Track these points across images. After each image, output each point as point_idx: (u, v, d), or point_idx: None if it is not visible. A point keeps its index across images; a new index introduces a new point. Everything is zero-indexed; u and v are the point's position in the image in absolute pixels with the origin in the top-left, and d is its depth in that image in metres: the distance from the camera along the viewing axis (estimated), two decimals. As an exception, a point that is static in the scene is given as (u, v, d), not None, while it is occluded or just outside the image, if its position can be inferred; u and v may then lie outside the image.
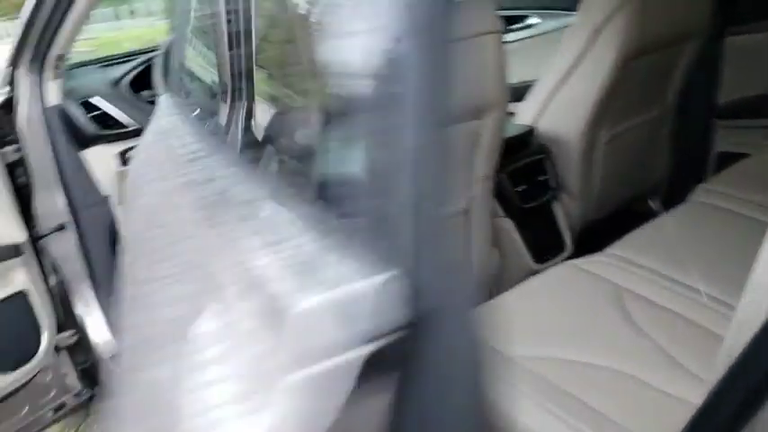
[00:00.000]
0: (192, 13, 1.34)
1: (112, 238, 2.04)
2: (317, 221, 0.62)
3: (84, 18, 1.67)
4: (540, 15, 2.95)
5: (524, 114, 1.94)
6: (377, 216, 0.55)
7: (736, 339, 0.58)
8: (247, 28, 0.96)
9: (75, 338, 1.99)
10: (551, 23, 2.85)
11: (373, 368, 0.51)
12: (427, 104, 0.51)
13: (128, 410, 1.04)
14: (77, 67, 2.14)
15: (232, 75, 1.01)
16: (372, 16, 0.52)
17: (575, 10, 1.81)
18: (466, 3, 1.39)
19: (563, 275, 1.47)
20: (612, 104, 1.80)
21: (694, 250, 1.48)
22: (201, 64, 1.11)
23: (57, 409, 1.95)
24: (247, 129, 1.00)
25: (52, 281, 1.93)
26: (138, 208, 1.06)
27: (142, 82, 2.02)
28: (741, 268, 0.64)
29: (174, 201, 0.90)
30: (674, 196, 1.88)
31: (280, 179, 0.91)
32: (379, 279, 0.51)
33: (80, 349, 2.03)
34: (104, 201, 2.01)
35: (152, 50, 2.21)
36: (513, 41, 2.79)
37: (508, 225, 1.86)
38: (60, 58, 1.86)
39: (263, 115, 0.99)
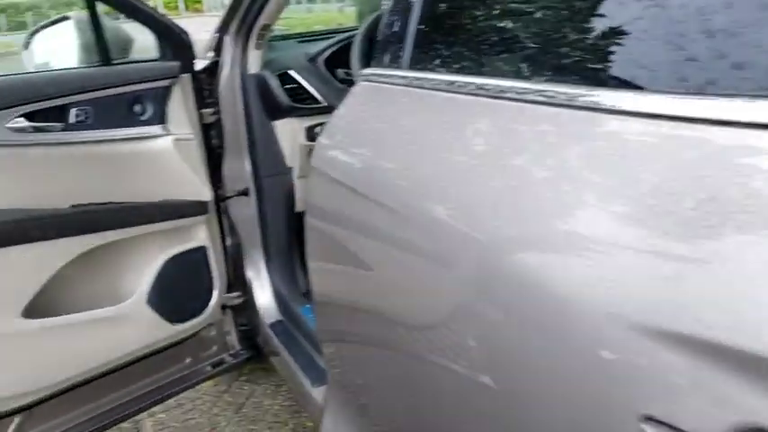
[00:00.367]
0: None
1: (290, 208, 2.09)
2: None
3: (294, -10, 1.70)
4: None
5: None
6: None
7: None
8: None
9: (240, 300, 2.06)
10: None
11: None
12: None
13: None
14: (278, 40, 2.20)
15: None
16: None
17: None
18: None
19: None
20: None
21: None
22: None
23: (215, 365, 2.03)
24: None
25: (228, 241, 2.01)
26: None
27: (338, 60, 2.03)
28: None
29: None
30: None
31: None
32: None
33: (243, 311, 2.10)
34: (288, 172, 2.06)
35: (350, 30, 2.23)
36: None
37: None
38: (265, 28, 1.91)
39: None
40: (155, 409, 2.09)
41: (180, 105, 1.75)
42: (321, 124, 2.00)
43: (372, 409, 1.09)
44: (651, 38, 0.58)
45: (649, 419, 0.49)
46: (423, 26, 0.95)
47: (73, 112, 1.57)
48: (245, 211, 2.06)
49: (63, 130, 1.56)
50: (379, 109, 1.00)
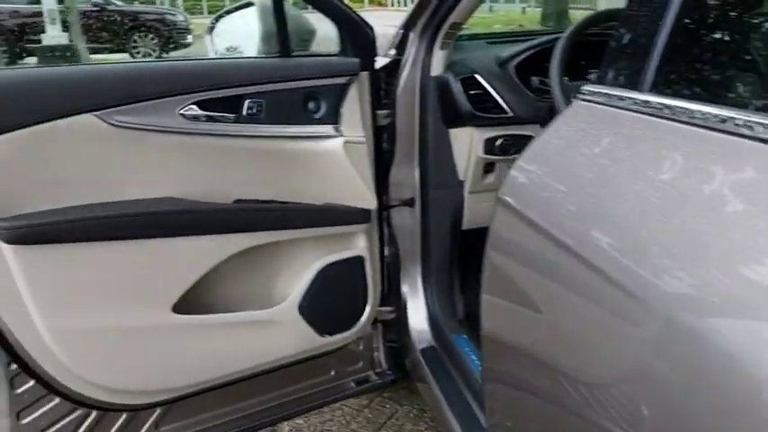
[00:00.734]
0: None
1: (456, 225, 1.91)
2: None
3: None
4: None
5: None
6: None
7: None
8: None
9: (393, 315, 1.92)
10: None
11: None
12: None
13: None
14: (465, 40, 2.02)
15: None
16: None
17: None
18: None
19: None
20: None
21: None
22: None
23: (358, 382, 1.91)
24: None
25: (386, 251, 1.87)
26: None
27: (532, 67, 1.81)
28: None
29: None
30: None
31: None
32: None
33: (394, 327, 1.96)
34: (458, 185, 1.88)
35: (549, 33, 2.00)
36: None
37: None
38: (454, 27, 1.74)
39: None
40: (293, 411, 2.01)
41: (355, 105, 1.62)
42: (503, 137, 1.80)
43: None
44: None
45: None
46: (678, 39, 0.72)
47: (246, 103, 1.49)
48: (407, 222, 1.92)
49: (234, 121, 1.49)
50: (603, 139, 0.79)
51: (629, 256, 0.69)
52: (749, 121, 0.58)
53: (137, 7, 14.20)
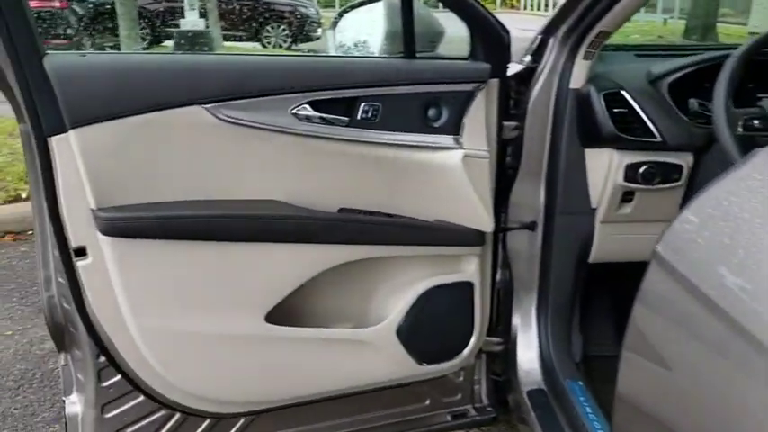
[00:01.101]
0: None
1: (581, 256, 1.71)
2: None
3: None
4: None
5: None
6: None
7: None
8: None
9: (500, 348, 1.75)
10: None
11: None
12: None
13: None
14: (609, 51, 1.81)
15: None
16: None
17: None
18: None
19: None
20: None
21: None
22: None
23: (455, 416, 1.77)
24: None
25: (498, 276, 1.71)
26: None
27: (690, 87, 1.58)
28: None
29: None
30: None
31: None
32: None
33: (500, 360, 1.79)
34: (590, 212, 1.68)
35: (712, 48, 1.75)
36: None
37: None
38: (601, 35, 1.55)
39: None
40: None
41: (480, 115, 1.47)
42: (647, 164, 1.58)
43: None
44: None
45: None
46: None
47: (362, 107, 1.38)
48: (525, 247, 1.74)
49: (347, 125, 1.38)
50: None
51: None
52: None
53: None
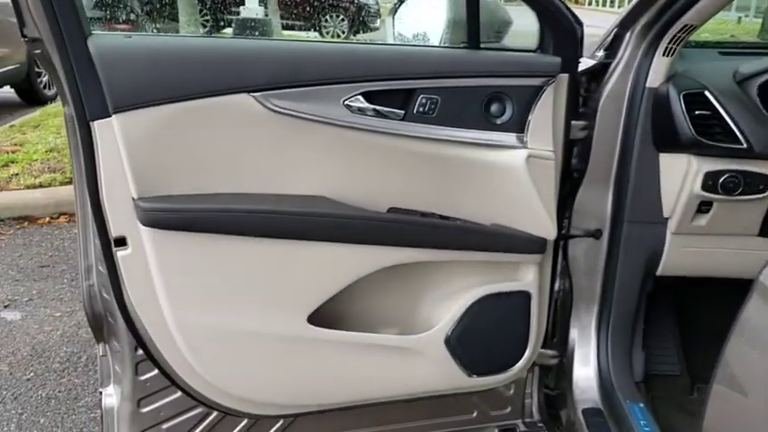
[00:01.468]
0: None
1: (649, 269, 1.59)
2: None
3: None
4: None
5: None
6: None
7: None
8: None
9: (555, 361, 1.65)
10: None
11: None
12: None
13: None
14: (691, 47, 1.67)
15: None
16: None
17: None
18: None
19: None
20: None
21: None
22: None
23: (504, 431, 1.67)
24: None
25: (557, 286, 1.60)
26: None
27: None
28: None
29: None
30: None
31: None
32: None
33: (553, 374, 1.69)
34: (661, 222, 1.55)
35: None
36: None
37: None
38: (686, 30, 1.42)
39: None
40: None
41: (547, 112, 1.36)
42: (730, 173, 1.45)
43: None
44: None
45: None
46: None
47: (419, 99, 1.28)
48: (588, 256, 1.63)
49: (402, 119, 1.29)
50: None
51: None
52: None
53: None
